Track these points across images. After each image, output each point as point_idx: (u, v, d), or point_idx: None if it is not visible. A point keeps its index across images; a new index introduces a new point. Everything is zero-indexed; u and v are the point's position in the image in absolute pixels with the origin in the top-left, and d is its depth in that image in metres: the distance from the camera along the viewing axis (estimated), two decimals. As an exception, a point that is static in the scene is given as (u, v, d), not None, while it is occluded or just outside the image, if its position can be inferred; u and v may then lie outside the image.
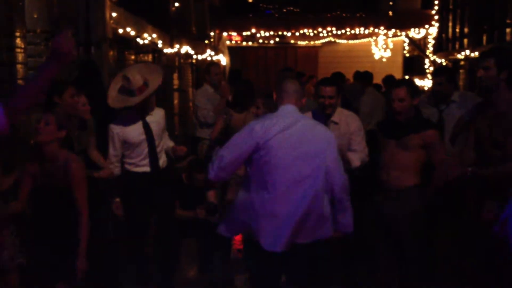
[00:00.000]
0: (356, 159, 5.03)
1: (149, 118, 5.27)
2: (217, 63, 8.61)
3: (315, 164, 3.84)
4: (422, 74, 15.37)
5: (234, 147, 3.87)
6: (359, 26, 16.48)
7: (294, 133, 3.86)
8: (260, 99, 4.90)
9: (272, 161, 3.81)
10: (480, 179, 4.04)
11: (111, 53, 7.62)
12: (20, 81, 5.38)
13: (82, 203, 4.10)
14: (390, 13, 17.12)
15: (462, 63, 13.17)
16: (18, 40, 5.35)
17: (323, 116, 5.02)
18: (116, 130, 5.21)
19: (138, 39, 8.95)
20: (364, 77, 10.09)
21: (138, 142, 5.20)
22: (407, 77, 14.52)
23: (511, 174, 3.91)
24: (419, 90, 4.71)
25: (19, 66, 5.37)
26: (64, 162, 4.08)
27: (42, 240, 4.15)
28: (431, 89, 5.82)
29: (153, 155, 5.24)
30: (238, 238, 7.12)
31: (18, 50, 5.36)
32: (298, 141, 3.84)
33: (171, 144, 5.52)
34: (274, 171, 3.81)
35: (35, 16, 5.83)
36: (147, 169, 5.25)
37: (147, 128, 5.23)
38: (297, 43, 18.27)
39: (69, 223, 4.10)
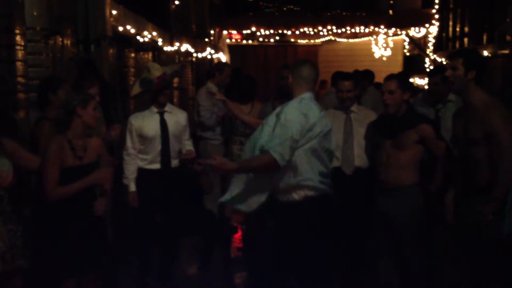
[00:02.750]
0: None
1: (167, 116, 5.36)
2: (229, 65, 8.67)
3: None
4: (422, 73, 15.34)
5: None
6: (359, 25, 16.46)
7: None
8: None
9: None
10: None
11: (111, 51, 7.61)
12: (20, 79, 5.37)
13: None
14: (391, 12, 17.10)
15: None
16: (17, 38, 5.34)
17: (342, 109, 5.44)
18: (134, 123, 5.37)
19: (138, 37, 8.94)
20: (364, 76, 9.99)
21: (152, 137, 5.31)
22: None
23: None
24: (411, 85, 4.76)
25: (18, 64, 5.36)
26: (93, 139, 4.35)
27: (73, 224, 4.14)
28: (428, 89, 5.84)
29: (165, 153, 5.32)
30: (237, 236, 7.13)
31: (18, 47, 5.34)
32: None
33: (187, 147, 5.54)
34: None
35: (35, 13, 5.82)
36: (157, 166, 5.31)
37: (163, 124, 5.33)
38: (297, 42, 18.25)
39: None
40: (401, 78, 4.65)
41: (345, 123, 5.38)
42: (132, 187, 5.30)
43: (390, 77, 4.68)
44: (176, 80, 11.87)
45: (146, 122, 5.35)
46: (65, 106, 4.20)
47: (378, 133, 4.74)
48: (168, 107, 5.45)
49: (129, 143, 5.37)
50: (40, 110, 4.95)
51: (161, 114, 5.38)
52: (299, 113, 3.96)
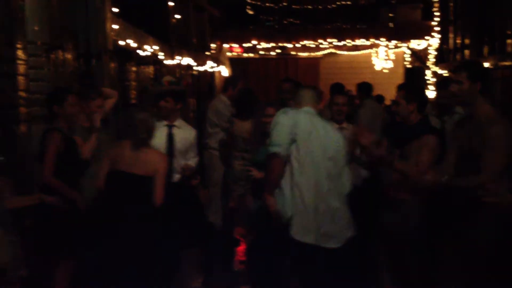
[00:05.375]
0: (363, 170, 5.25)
1: (176, 131, 5.31)
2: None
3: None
4: (424, 85, 15.35)
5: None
6: (360, 38, 16.50)
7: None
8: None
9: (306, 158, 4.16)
10: (453, 189, 4.06)
11: (112, 65, 7.62)
12: (21, 93, 5.38)
13: None
14: (391, 24, 17.14)
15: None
16: (19, 52, 5.35)
17: (336, 122, 5.59)
18: None
19: (139, 51, 8.95)
20: (360, 88, 9.86)
21: (157, 149, 5.28)
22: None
23: (480, 186, 3.93)
24: (421, 96, 4.72)
25: (20, 78, 5.37)
26: None
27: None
28: (435, 101, 5.83)
29: (169, 166, 5.29)
30: (240, 249, 7.10)
31: (20, 61, 5.35)
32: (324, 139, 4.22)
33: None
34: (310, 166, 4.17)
35: (36, 28, 5.84)
36: None
37: (170, 138, 5.27)
38: (298, 55, 18.30)
39: None
40: (409, 89, 4.66)
41: None
42: None
43: (399, 88, 4.76)
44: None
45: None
46: (145, 126, 4.43)
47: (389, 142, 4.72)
48: (178, 122, 5.41)
49: None
50: (49, 123, 4.92)
51: (170, 127, 5.34)
52: (288, 117, 4.19)
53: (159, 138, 5.29)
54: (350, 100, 5.97)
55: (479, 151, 3.95)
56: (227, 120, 6.89)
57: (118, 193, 4.40)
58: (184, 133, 5.41)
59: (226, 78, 10.47)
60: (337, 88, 8.26)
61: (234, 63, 17.28)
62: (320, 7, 18.97)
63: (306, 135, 4.18)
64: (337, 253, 4.25)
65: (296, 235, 4.19)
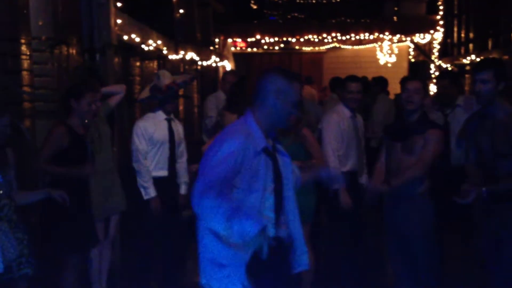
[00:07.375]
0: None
1: (173, 124, 5.45)
2: (233, 72, 8.77)
3: None
4: (428, 79, 15.33)
5: None
6: (364, 32, 16.45)
7: None
8: None
9: None
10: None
11: (116, 59, 7.63)
12: (25, 88, 5.39)
13: None
14: (395, 18, 17.10)
15: (467, 68, 13.13)
16: (23, 47, 5.36)
17: (350, 110, 5.59)
18: (143, 126, 5.38)
19: (143, 46, 8.96)
20: (376, 82, 9.80)
21: (161, 142, 5.33)
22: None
23: None
24: (428, 93, 4.76)
25: (24, 73, 5.39)
26: None
27: None
28: (436, 93, 5.83)
29: (172, 159, 5.36)
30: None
31: (24, 57, 5.37)
32: None
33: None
34: None
35: (40, 23, 5.85)
36: (165, 173, 5.34)
37: (171, 130, 5.38)
38: (302, 49, 18.26)
39: None
40: (424, 82, 4.66)
41: (354, 127, 5.55)
42: (153, 192, 5.26)
43: (414, 78, 4.77)
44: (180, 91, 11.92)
45: (156, 127, 5.37)
46: None
47: (389, 135, 4.67)
48: (172, 116, 5.53)
49: (140, 146, 5.36)
50: (62, 117, 4.90)
51: (169, 121, 5.44)
52: None
53: (163, 131, 5.37)
54: None
55: (503, 151, 3.90)
56: (218, 115, 6.96)
57: None
58: (178, 127, 5.55)
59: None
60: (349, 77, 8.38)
61: (238, 58, 17.26)
62: (324, 1, 18.95)
63: None
64: None
65: None
